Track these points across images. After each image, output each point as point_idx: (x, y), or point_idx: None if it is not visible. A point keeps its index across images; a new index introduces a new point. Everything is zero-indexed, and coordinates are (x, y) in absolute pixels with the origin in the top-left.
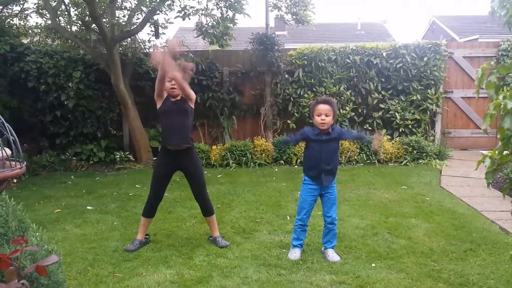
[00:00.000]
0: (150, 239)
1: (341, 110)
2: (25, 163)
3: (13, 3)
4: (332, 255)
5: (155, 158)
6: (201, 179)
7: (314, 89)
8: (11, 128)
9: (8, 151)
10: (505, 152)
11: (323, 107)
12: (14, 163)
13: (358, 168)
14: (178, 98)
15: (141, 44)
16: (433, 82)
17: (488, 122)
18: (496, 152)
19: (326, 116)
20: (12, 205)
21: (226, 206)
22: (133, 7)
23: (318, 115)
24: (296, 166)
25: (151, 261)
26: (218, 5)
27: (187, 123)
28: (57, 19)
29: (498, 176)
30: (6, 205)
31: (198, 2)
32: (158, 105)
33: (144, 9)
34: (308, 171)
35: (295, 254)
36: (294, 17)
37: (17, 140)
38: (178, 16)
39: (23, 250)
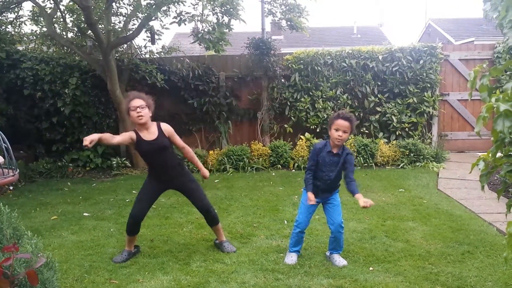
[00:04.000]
0: (140, 249)
1: None
2: (18, 170)
3: (8, 10)
4: (339, 259)
5: None
6: (200, 191)
7: (310, 93)
8: (3, 136)
9: (1, 159)
10: (498, 154)
11: (342, 123)
12: (7, 170)
13: (355, 171)
14: (147, 130)
15: (137, 50)
16: (429, 85)
17: (481, 125)
18: (490, 154)
19: (344, 132)
20: (7, 213)
21: (223, 211)
22: (129, 13)
23: (336, 130)
24: (294, 170)
25: (148, 267)
26: (214, 11)
27: (171, 156)
28: (53, 26)
29: (495, 178)
30: (0, 212)
31: (194, 8)
32: (131, 144)
33: (140, 15)
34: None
35: (291, 258)
36: (288, 23)
37: (9, 147)
38: (174, 22)
39: (14, 257)
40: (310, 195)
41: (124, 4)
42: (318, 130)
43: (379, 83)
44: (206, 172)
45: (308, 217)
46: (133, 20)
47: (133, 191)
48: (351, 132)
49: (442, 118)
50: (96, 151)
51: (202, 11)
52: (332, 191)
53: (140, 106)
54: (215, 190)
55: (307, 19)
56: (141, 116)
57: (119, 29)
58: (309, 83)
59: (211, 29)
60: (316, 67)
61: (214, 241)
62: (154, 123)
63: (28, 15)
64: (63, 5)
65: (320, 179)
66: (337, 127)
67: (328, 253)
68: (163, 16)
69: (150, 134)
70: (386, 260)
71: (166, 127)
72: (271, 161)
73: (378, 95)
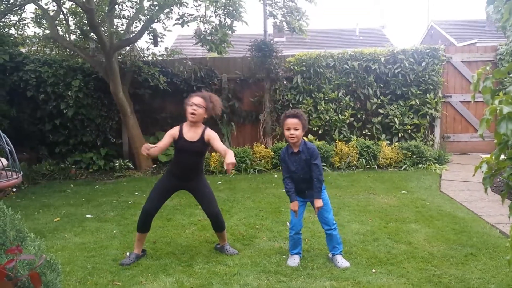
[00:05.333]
0: (146, 253)
1: (340, 116)
2: (21, 173)
3: (11, 13)
4: (341, 261)
5: (155, 165)
6: (212, 197)
7: (313, 95)
8: (7, 138)
9: (5, 161)
10: (502, 157)
11: (291, 121)
12: (10, 173)
13: (358, 173)
14: (193, 129)
15: (140, 52)
16: (431, 87)
17: (484, 127)
18: (493, 157)
19: (295, 130)
20: (10, 215)
21: (225, 213)
22: (131, 15)
23: (287, 130)
24: None
25: (150, 269)
26: (217, 12)
27: (200, 162)
28: (56, 28)
29: (498, 180)
30: (4, 214)
31: (197, 9)
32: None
33: (143, 18)
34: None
35: (294, 260)
36: (288, 25)
37: (13, 150)
38: (177, 23)
39: (18, 259)
40: (293, 205)
41: (126, 6)
42: (320, 132)
43: (382, 85)
44: (230, 160)
45: (299, 218)
46: (135, 23)
47: (136, 193)
48: (304, 128)
49: (445, 120)
50: (99, 153)
51: (205, 12)
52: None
53: (197, 104)
54: (217, 192)
55: (306, 23)
56: (194, 114)
57: (122, 32)
58: (311, 85)
59: (213, 30)
60: (318, 69)
61: (216, 246)
62: (202, 126)
63: (31, 17)
64: (66, 8)
65: (298, 181)
66: (288, 127)
67: (330, 255)
68: (166, 18)
69: (193, 134)
70: (389, 262)
71: (208, 134)
72: (273, 163)
73: (381, 97)
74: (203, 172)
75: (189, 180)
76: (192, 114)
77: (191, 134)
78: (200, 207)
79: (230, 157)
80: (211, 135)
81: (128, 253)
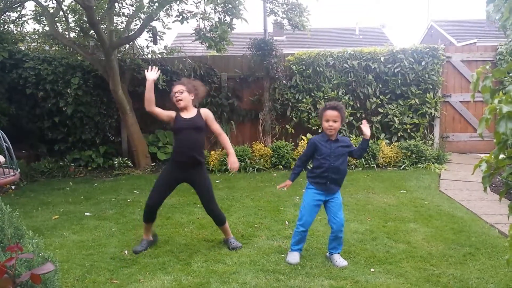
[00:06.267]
0: (157, 238)
1: None
2: (18, 170)
3: (10, 10)
4: (339, 260)
5: (154, 164)
6: (210, 192)
7: (312, 94)
8: (4, 135)
9: (2, 159)
10: (501, 156)
11: (331, 113)
12: (8, 170)
13: (357, 172)
14: (187, 111)
15: (139, 50)
16: (431, 86)
17: (484, 127)
18: (492, 156)
19: (334, 122)
20: (8, 212)
21: (224, 212)
22: (131, 13)
23: (326, 121)
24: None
25: (149, 267)
26: (216, 9)
27: (201, 138)
28: (55, 26)
29: (497, 179)
30: (2, 212)
31: (196, 6)
32: (169, 122)
33: (142, 15)
34: (314, 179)
35: (294, 257)
36: (290, 22)
37: (10, 147)
38: (176, 20)
39: (17, 257)
40: (286, 184)
41: (126, 4)
42: (319, 131)
43: (381, 84)
44: (233, 162)
45: (313, 216)
46: (135, 21)
47: (135, 191)
48: (342, 120)
49: (444, 119)
50: (98, 151)
51: (204, 9)
52: (340, 182)
53: (178, 91)
54: (216, 191)
55: (308, 19)
56: (180, 100)
57: (121, 30)
58: (311, 84)
59: (213, 27)
60: (318, 68)
61: (223, 239)
62: (195, 109)
63: (31, 14)
64: (65, 5)
65: (325, 168)
66: (327, 118)
67: (328, 254)
68: (166, 16)
69: (189, 114)
70: (388, 262)
71: (205, 111)
72: (272, 161)
73: (380, 96)
74: (204, 165)
75: (191, 167)
76: (178, 101)
77: (186, 114)
78: (199, 205)
79: (233, 160)
80: (208, 114)
81: (126, 251)
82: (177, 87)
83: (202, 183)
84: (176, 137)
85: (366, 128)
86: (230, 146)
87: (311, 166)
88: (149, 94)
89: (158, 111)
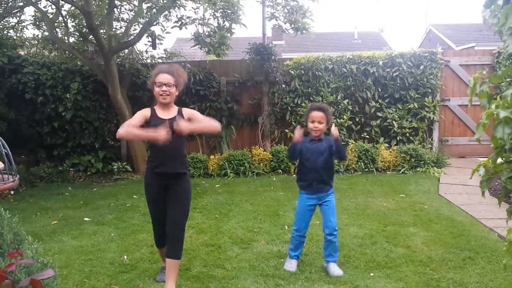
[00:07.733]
0: None
1: (338, 119)
2: (18, 176)
3: (10, 15)
4: (334, 269)
5: None
6: (185, 208)
7: (311, 98)
8: (3, 141)
9: (1, 165)
10: (498, 160)
11: (316, 114)
12: (7, 176)
13: (356, 176)
14: (167, 110)
15: (138, 55)
16: (430, 90)
17: (481, 132)
18: (490, 161)
19: (320, 123)
20: (8, 218)
21: (224, 216)
22: (130, 18)
23: (312, 122)
24: (294, 175)
25: (148, 273)
26: (215, 15)
27: (181, 144)
28: (55, 31)
29: (496, 183)
30: (1, 217)
31: (195, 12)
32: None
33: (141, 20)
34: (300, 181)
35: (291, 265)
36: (292, 25)
37: (9, 153)
38: (175, 26)
39: (18, 263)
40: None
41: (125, 9)
42: None
43: (380, 89)
44: (182, 125)
45: (307, 221)
46: (134, 26)
47: (134, 196)
48: (328, 122)
49: (443, 123)
50: (97, 156)
51: (203, 15)
52: (327, 179)
53: (167, 84)
54: (216, 195)
55: (312, 19)
56: (166, 95)
57: (121, 34)
58: (309, 88)
59: (212, 32)
60: (316, 72)
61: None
62: (176, 107)
63: (30, 19)
64: (65, 10)
65: (309, 169)
66: (312, 119)
67: (325, 263)
68: (165, 20)
69: (168, 113)
70: (387, 266)
71: (187, 111)
72: (272, 166)
73: (379, 101)
74: (187, 175)
75: (172, 177)
76: (164, 96)
77: (165, 114)
78: (198, 209)
79: (184, 124)
80: (192, 112)
81: (125, 257)
82: (166, 79)
83: (179, 193)
84: (152, 144)
85: (334, 128)
86: (205, 125)
87: (297, 166)
88: (138, 138)
89: (135, 124)
